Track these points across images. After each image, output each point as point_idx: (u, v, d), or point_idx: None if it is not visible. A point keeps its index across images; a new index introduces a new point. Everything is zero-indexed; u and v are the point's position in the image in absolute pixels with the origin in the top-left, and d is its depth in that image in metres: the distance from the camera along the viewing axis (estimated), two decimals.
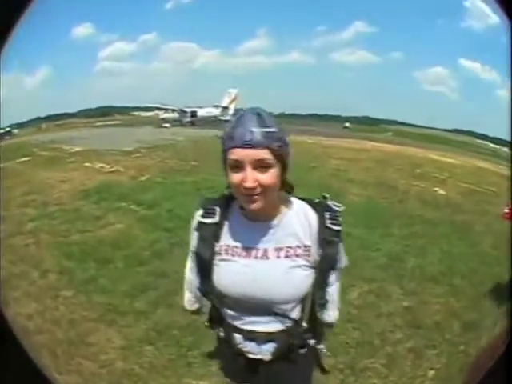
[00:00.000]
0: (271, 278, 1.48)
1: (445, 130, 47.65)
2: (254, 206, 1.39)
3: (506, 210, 10.23)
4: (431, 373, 3.70)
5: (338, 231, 1.50)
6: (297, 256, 1.49)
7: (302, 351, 1.62)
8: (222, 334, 1.66)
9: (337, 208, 1.54)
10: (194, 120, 35.63)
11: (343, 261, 1.60)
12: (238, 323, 1.58)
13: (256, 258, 1.50)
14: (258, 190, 1.35)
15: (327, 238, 1.49)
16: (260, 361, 1.60)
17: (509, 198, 10.98)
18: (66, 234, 6.79)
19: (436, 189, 12.94)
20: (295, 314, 1.57)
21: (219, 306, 1.60)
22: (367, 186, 11.70)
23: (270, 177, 1.35)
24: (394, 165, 17.03)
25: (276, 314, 1.53)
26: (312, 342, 1.62)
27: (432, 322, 4.64)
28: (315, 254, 1.52)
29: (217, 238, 1.53)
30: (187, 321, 3.81)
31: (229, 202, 1.57)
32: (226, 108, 37.85)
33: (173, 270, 4.85)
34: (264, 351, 1.58)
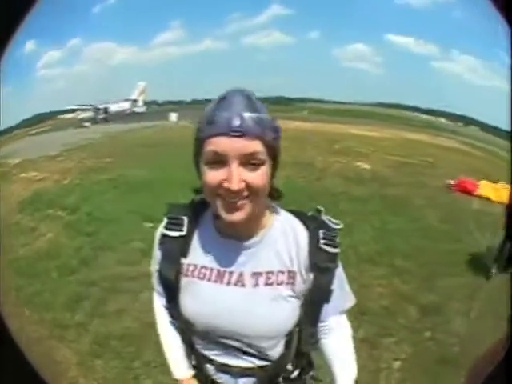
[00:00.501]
0: (247, 311, 1.28)
1: (367, 105, 50.32)
2: (237, 215, 1.15)
3: (451, 182, 10.70)
4: (397, 364, 3.67)
5: (335, 254, 1.29)
6: (279, 284, 1.29)
7: None
8: (193, 362, 1.47)
9: (334, 225, 1.33)
10: (107, 116, 36.70)
11: (347, 298, 1.45)
12: (209, 353, 1.40)
13: (229, 283, 1.30)
14: (245, 193, 1.13)
15: (320, 264, 1.28)
16: None
17: (457, 169, 11.63)
18: (12, 249, 6.57)
19: (359, 164, 13.09)
20: (277, 351, 1.36)
21: (188, 333, 1.41)
22: (284, 166, 12.12)
23: (260, 177, 1.13)
24: (310, 142, 17.39)
25: (251, 352, 1.33)
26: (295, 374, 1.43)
27: (379, 307, 4.54)
28: (300, 282, 1.30)
29: (184, 254, 1.34)
30: (122, 330, 3.94)
31: (199, 210, 1.37)
32: (135, 101, 41.49)
33: (100, 277, 5.03)
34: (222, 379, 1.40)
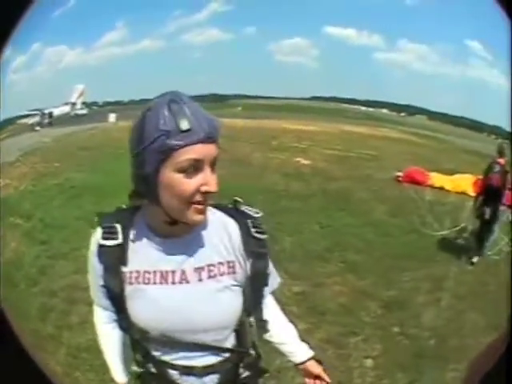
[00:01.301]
0: (195, 306, 1.41)
1: (303, 99, 51.68)
2: (201, 217, 1.32)
3: (399, 174, 11.09)
4: (369, 362, 3.77)
5: (265, 240, 1.47)
6: (221, 275, 1.42)
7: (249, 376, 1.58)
8: (153, 369, 1.53)
9: (256, 214, 1.51)
10: (52, 120, 37.64)
11: (276, 279, 1.60)
12: (169, 358, 1.48)
13: (173, 283, 1.41)
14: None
15: (255, 250, 1.45)
16: None
17: (403, 160, 12.03)
18: None
19: (298, 159, 13.38)
20: (231, 341, 1.50)
21: (144, 342, 1.49)
22: (221, 163, 12.44)
23: (217, 178, 1.30)
24: (246, 139, 17.67)
25: (208, 346, 1.45)
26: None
27: (337, 306, 4.62)
28: (240, 270, 1.45)
29: (123, 262, 1.41)
30: (88, 342, 3.90)
31: (129, 216, 1.46)
32: (74, 104, 43.43)
33: (59, 288, 5.09)
34: (207, 383, 1.50)
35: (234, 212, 1.50)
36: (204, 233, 1.43)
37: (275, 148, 15.60)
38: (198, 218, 1.31)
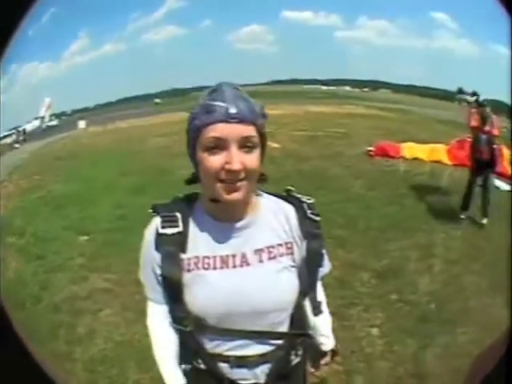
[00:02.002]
0: (256, 288, 1.42)
1: (264, 84, 51.89)
2: (235, 195, 1.31)
3: (370, 148, 11.20)
4: (375, 330, 3.85)
5: (319, 222, 1.53)
6: (281, 256, 1.45)
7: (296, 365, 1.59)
8: (202, 366, 1.52)
9: (309, 200, 1.57)
10: (25, 136, 37.34)
11: (328, 264, 1.62)
12: (222, 350, 1.48)
13: (234, 266, 1.43)
14: (242, 175, 1.29)
15: (311, 231, 1.50)
16: None
17: (372, 134, 12.13)
18: None
19: (269, 143, 13.37)
20: (286, 326, 1.52)
21: (198, 334, 1.48)
22: None
23: (255, 159, 1.32)
24: None
25: (266, 332, 1.47)
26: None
27: (332, 279, 4.57)
28: (297, 251, 1.49)
29: (183, 249, 1.42)
30: (100, 353, 3.90)
31: (187, 204, 1.48)
32: (43, 117, 43.84)
33: (60, 301, 4.92)
34: (258, 375, 1.51)
35: (289, 198, 1.56)
36: (261, 216, 1.48)
37: None
38: (230, 196, 1.32)
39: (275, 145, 12.57)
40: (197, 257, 1.43)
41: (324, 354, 1.72)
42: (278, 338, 1.50)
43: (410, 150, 10.64)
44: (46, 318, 4.78)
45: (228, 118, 1.26)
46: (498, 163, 6.92)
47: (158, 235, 1.42)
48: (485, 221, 6.35)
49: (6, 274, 6.46)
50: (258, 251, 1.44)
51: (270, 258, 1.44)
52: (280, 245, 1.46)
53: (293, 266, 1.48)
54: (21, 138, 37.59)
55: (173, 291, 1.44)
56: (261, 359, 1.49)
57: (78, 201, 8.74)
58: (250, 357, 1.48)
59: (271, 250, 1.45)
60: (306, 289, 1.53)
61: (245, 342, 1.47)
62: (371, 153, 10.88)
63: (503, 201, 6.81)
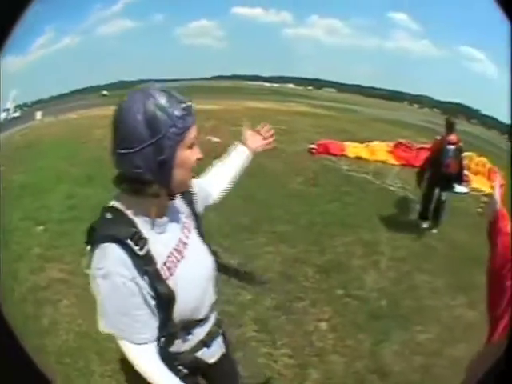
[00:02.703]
0: (202, 260, 1.65)
1: (207, 79, 52.27)
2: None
3: (312, 146, 11.14)
4: (323, 325, 3.83)
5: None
6: (193, 228, 1.68)
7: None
8: (184, 371, 1.64)
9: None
10: None
11: None
12: (193, 342, 1.65)
13: (185, 246, 1.58)
14: None
15: (200, 212, 1.78)
16: (210, 367, 1.74)
17: (314, 132, 12.12)
18: None
19: (208, 137, 13.13)
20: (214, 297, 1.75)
21: (181, 337, 1.61)
22: None
23: None
24: None
25: (213, 306, 1.71)
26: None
27: (276, 274, 4.67)
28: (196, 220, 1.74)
29: (155, 262, 1.45)
30: (64, 345, 3.85)
31: (125, 221, 1.46)
32: (8, 109, 42.12)
33: (26, 291, 4.82)
34: (221, 344, 1.79)
35: None
36: (176, 205, 1.65)
37: None
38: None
39: (216, 139, 12.42)
40: (165, 262, 1.48)
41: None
42: (217, 309, 1.75)
43: (352, 148, 10.57)
44: (19, 310, 4.62)
45: (195, 120, 1.48)
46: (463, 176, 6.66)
47: (137, 257, 1.40)
48: (435, 231, 6.30)
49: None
50: (185, 228, 1.62)
51: (189, 231, 1.64)
52: (187, 219, 1.66)
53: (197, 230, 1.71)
54: None
55: (165, 308, 1.48)
56: (217, 328, 1.74)
57: (33, 191, 8.55)
58: (212, 332, 1.70)
59: (186, 223, 1.64)
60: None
61: (206, 320, 1.66)
62: (313, 150, 10.84)
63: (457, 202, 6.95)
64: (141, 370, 1.48)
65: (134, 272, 1.39)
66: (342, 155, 10.34)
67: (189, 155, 1.45)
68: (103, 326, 1.42)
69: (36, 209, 7.33)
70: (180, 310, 1.51)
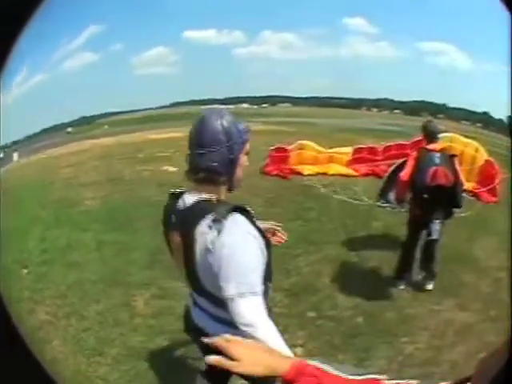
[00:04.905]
0: None
1: (163, 107, 52.47)
2: None
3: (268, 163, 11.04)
4: (299, 350, 3.73)
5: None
6: None
7: None
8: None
9: None
10: None
11: None
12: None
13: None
14: None
15: None
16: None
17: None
18: None
19: (165, 167, 13.43)
20: None
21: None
22: (99, 186, 12.35)
23: None
24: (116, 156, 17.90)
25: None
26: None
27: None
28: None
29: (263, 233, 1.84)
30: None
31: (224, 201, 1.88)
32: None
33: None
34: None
35: None
36: None
37: (143, 160, 15.79)
38: None
39: (173, 168, 12.56)
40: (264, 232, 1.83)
41: None
42: None
43: (308, 170, 10.65)
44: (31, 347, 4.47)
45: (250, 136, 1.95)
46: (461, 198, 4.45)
47: (259, 230, 1.78)
48: (430, 286, 4.65)
49: None
50: None
51: None
52: None
53: None
54: None
55: (270, 273, 1.84)
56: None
57: (17, 235, 8.35)
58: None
59: None
60: None
61: None
62: (266, 168, 10.80)
63: None
64: (261, 322, 1.64)
65: (258, 234, 1.75)
66: (298, 172, 10.32)
67: (245, 160, 1.93)
68: (231, 289, 1.61)
69: (20, 251, 7.23)
70: (266, 274, 1.77)
